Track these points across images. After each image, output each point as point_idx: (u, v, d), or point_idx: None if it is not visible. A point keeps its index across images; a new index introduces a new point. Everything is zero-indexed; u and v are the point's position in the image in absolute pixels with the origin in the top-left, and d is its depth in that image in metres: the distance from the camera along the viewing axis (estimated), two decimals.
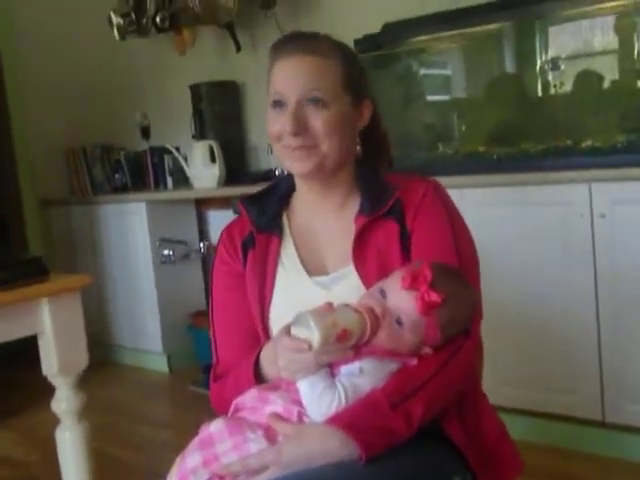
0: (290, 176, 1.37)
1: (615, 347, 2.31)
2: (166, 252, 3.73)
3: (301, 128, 1.23)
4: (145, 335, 3.88)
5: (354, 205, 1.31)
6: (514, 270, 2.48)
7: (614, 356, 2.32)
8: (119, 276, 3.96)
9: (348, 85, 1.27)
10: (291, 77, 1.24)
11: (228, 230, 1.40)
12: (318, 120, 1.23)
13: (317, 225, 1.34)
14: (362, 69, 1.33)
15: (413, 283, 1.09)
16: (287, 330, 1.10)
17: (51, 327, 1.63)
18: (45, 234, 4.33)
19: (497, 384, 2.49)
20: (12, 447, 3.04)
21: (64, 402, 1.69)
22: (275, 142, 1.29)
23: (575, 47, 2.54)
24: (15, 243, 4.24)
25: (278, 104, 1.26)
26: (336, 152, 1.26)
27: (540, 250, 2.42)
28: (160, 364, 3.85)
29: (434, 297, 1.08)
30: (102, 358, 4.08)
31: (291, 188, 1.38)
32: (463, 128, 2.92)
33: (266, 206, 1.36)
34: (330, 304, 1.11)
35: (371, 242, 1.26)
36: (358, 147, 1.35)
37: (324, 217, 1.34)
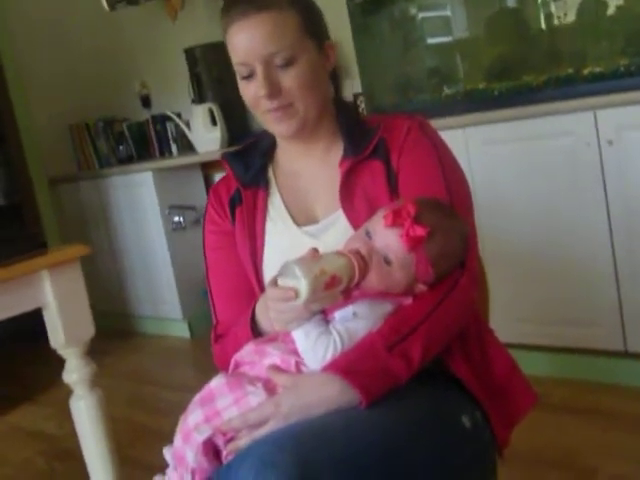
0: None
1: (632, 275, 2.28)
2: (176, 219, 3.73)
3: (275, 90, 1.20)
4: (164, 303, 3.91)
5: (338, 150, 1.28)
6: (524, 205, 2.45)
7: (632, 284, 2.29)
8: (133, 247, 3.98)
9: (309, 30, 1.22)
10: (250, 42, 1.18)
11: (215, 189, 1.38)
12: (289, 78, 1.20)
13: (303, 174, 1.32)
14: (318, 9, 1.28)
15: (396, 219, 1.06)
16: (275, 282, 1.08)
17: (54, 299, 1.63)
18: (57, 212, 4.36)
19: (516, 321, 2.49)
20: (43, 422, 3.10)
21: (75, 372, 1.70)
22: (255, 109, 1.26)
23: None
24: (28, 222, 4.27)
25: (246, 73, 1.21)
26: (314, 107, 1.24)
27: (549, 182, 2.38)
28: (181, 330, 3.88)
29: (419, 231, 1.05)
30: (124, 329, 4.13)
31: (274, 141, 1.36)
32: (462, 66, 2.85)
33: (250, 161, 1.34)
34: (316, 250, 1.09)
35: (358, 184, 1.23)
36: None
37: (309, 166, 1.31)
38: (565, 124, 2.30)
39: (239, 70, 1.23)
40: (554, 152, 2.34)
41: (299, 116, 1.23)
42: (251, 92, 1.22)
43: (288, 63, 1.19)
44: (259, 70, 1.19)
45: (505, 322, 2.40)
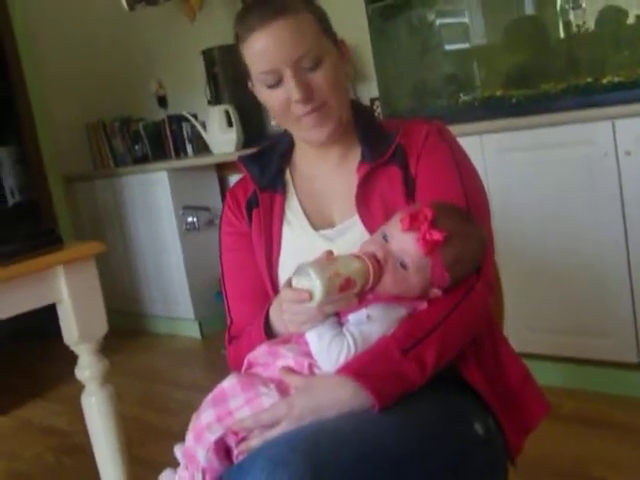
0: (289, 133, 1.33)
1: None
2: (190, 219, 3.74)
3: (309, 92, 1.18)
4: (176, 303, 3.92)
5: (356, 155, 1.28)
6: (540, 213, 2.43)
7: None
8: (146, 246, 3.99)
9: (325, 30, 1.22)
10: (276, 48, 1.17)
11: (232, 192, 1.38)
12: (319, 79, 1.19)
13: (320, 178, 1.31)
14: (323, 8, 1.27)
15: (413, 223, 1.06)
16: (289, 283, 1.08)
17: (68, 295, 1.64)
18: (72, 210, 4.39)
19: (529, 331, 2.48)
20: (54, 417, 3.12)
21: (87, 369, 1.71)
22: (284, 117, 1.23)
23: None
24: (44, 220, 4.30)
25: (273, 82, 1.19)
26: (344, 105, 1.24)
27: (566, 192, 2.36)
28: (192, 330, 3.89)
29: (436, 235, 1.05)
30: (135, 328, 4.14)
31: (291, 144, 1.35)
32: (480, 73, 2.84)
33: (267, 164, 1.34)
34: (331, 253, 1.08)
35: (375, 190, 1.23)
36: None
37: (327, 170, 1.31)
38: (583, 133, 2.29)
39: (264, 79, 1.20)
40: (571, 161, 2.32)
41: (334, 115, 1.22)
42: (280, 99, 1.20)
43: (316, 64, 1.18)
44: (289, 75, 1.17)
45: (517, 331, 2.40)
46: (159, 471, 1.18)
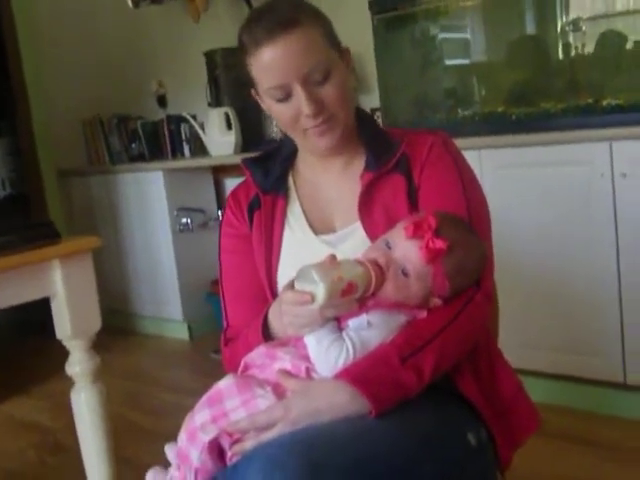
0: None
1: (637, 308, 2.27)
2: (184, 220, 3.74)
3: (319, 106, 1.19)
4: (166, 304, 3.90)
5: (360, 162, 1.29)
6: (534, 231, 2.45)
7: (636, 317, 2.28)
8: (138, 246, 3.98)
9: (330, 41, 1.22)
10: (286, 63, 1.16)
11: (234, 193, 1.38)
12: (329, 92, 1.19)
13: (323, 184, 1.32)
14: (328, 18, 1.26)
15: (417, 231, 1.06)
16: (291, 285, 1.09)
17: (63, 289, 1.63)
18: (65, 205, 4.36)
19: (519, 346, 2.48)
20: (37, 414, 3.10)
21: (78, 365, 1.70)
22: (293, 129, 1.24)
23: (597, 8, 2.47)
24: (35, 214, 4.27)
25: (282, 96, 1.19)
26: (351, 115, 1.25)
27: (561, 211, 2.38)
28: (181, 332, 3.87)
29: (439, 244, 1.06)
30: (124, 327, 4.12)
31: (295, 148, 1.36)
32: (481, 89, 2.86)
33: (270, 167, 1.34)
34: (334, 257, 1.09)
35: (377, 198, 1.23)
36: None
37: (330, 176, 1.31)
38: (580, 153, 2.30)
39: (273, 94, 1.20)
40: (567, 180, 2.34)
41: (340, 125, 1.22)
42: (290, 112, 1.20)
43: (325, 77, 1.18)
44: (300, 90, 1.17)
45: (507, 346, 2.40)
46: (144, 471, 1.17)
